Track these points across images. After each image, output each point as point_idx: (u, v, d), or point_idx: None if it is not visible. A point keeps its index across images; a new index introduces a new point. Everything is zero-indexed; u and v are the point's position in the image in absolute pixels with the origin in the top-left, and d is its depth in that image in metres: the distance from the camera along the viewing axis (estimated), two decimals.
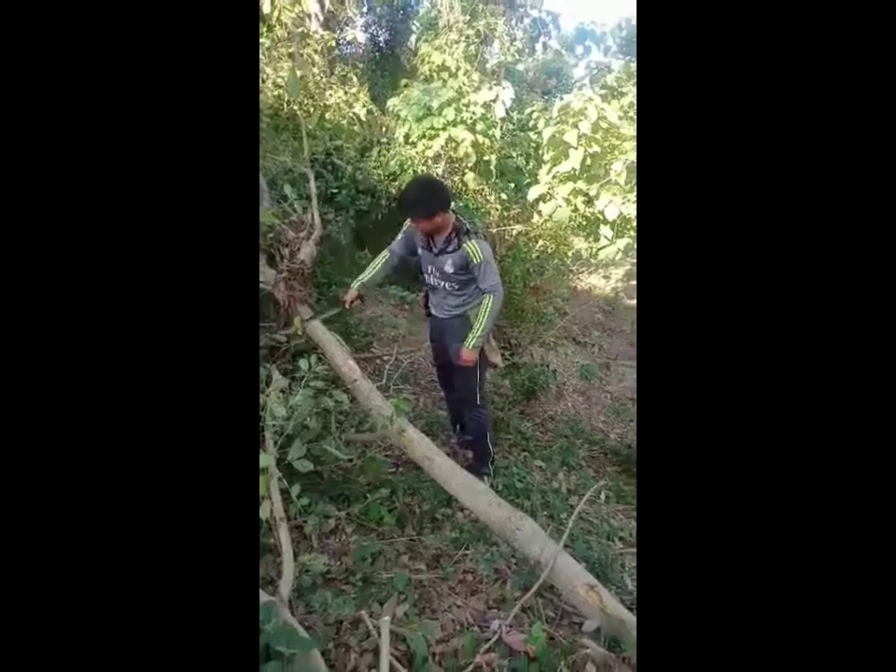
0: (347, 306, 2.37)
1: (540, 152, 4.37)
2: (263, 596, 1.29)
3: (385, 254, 2.38)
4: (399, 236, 2.35)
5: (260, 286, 2.47)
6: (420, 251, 2.29)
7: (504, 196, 5.15)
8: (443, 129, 4.54)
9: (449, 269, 2.19)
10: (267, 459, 1.61)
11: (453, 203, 2.22)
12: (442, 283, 2.26)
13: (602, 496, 2.68)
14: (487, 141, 4.71)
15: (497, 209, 5.11)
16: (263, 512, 1.57)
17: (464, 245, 2.12)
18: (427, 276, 2.32)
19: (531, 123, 5.21)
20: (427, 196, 2.12)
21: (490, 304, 2.15)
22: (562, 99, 3.79)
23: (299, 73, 3.66)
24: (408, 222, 2.27)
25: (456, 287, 2.24)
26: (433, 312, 2.42)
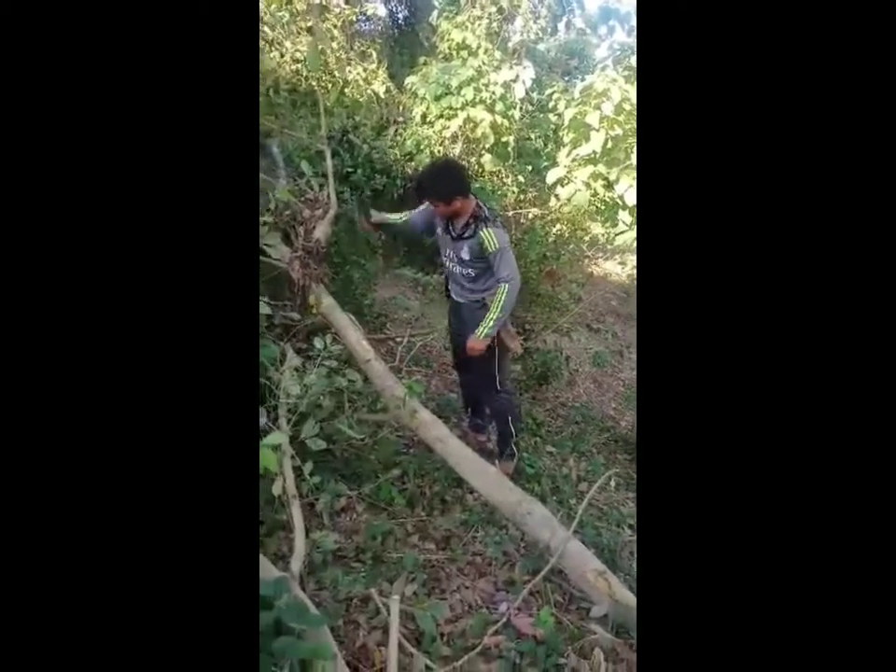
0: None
1: (560, 134, 4.30)
2: (275, 572, 1.30)
3: (405, 214, 2.38)
4: (422, 207, 2.32)
5: (276, 264, 2.46)
6: (439, 232, 2.26)
7: (521, 178, 5.09)
8: (462, 109, 4.49)
9: (465, 255, 2.17)
10: (280, 437, 1.62)
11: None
12: (459, 268, 2.24)
13: (612, 483, 2.68)
14: (506, 122, 4.65)
15: (513, 192, 5.05)
16: (276, 489, 1.58)
17: (480, 232, 2.08)
18: (445, 259, 2.30)
19: (551, 104, 5.13)
20: (446, 181, 2.09)
21: (504, 294, 2.10)
22: (583, 80, 3.72)
23: (318, 47, 3.61)
24: None
25: (472, 273, 2.21)
26: (452, 295, 2.40)
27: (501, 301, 2.10)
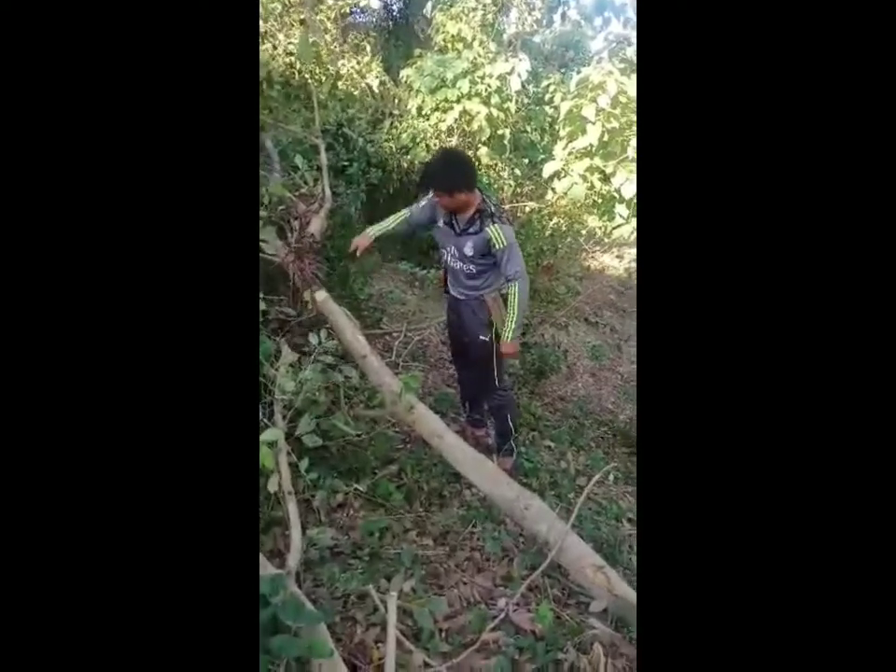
0: (358, 252, 2.30)
1: (556, 127, 4.27)
2: (271, 569, 1.29)
3: (404, 212, 2.33)
4: (423, 202, 2.26)
5: (270, 258, 2.44)
6: (441, 225, 2.21)
7: (518, 172, 5.05)
8: (457, 101, 4.44)
9: (468, 251, 2.13)
10: (276, 433, 1.60)
11: None
12: (460, 264, 2.20)
13: (611, 477, 2.67)
14: (502, 115, 4.61)
15: (510, 185, 5.02)
16: (272, 486, 1.57)
17: (486, 228, 2.05)
18: (445, 254, 2.26)
19: (547, 97, 5.09)
20: (451, 172, 2.06)
21: (517, 294, 2.10)
22: (579, 72, 3.68)
23: (311, 39, 3.57)
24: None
25: (473, 269, 2.18)
26: (451, 291, 2.36)
27: (516, 302, 2.11)
